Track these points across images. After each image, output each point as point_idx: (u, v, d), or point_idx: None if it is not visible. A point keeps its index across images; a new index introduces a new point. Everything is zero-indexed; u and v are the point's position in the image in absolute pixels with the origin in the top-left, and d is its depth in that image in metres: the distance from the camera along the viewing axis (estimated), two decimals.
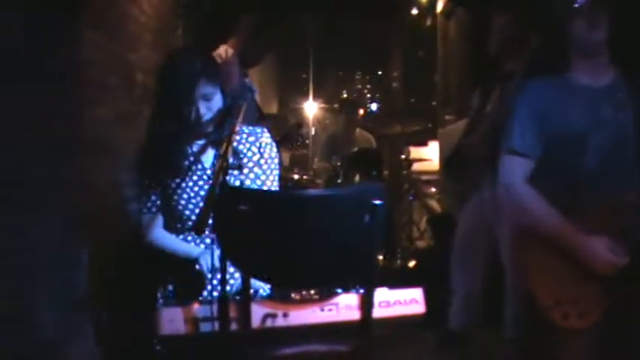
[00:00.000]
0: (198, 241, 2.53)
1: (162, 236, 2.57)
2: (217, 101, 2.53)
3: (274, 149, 2.68)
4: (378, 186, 2.11)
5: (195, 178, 2.54)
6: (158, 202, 2.56)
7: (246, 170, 2.56)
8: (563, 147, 2.38)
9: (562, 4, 2.42)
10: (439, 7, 8.24)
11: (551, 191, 2.37)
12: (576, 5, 2.35)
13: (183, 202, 2.53)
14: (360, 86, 16.41)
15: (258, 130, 2.66)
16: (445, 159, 4.70)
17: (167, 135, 2.50)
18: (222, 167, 2.00)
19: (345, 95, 14.10)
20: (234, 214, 1.92)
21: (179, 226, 2.55)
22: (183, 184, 2.53)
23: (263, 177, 2.61)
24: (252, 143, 2.61)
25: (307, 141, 9.03)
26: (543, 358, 2.42)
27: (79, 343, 3.08)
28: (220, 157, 2.02)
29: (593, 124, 2.35)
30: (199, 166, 2.56)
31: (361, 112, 7.86)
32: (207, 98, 2.49)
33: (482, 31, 4.13)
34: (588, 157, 2.35)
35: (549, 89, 2.44)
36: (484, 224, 3.76)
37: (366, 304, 2.07)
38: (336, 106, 9.24)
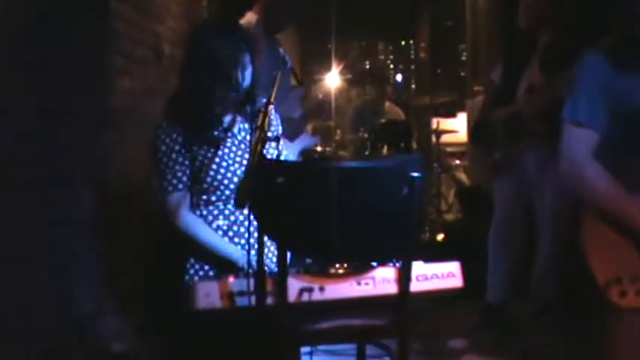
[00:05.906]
0: (237, 213, 2.48)
1: (201, 229, 2.45)
2: (250, 71, 2.50)
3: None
4: (416, 158, 2.06)
5: (227, 149, 2.50)
6: (185, 179, 2.45)
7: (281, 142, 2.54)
8: (629, 125, 2.29)
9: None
10: None
11: (616, 169, 2.28)
12: None
13: (219, 173, 2.46)
14: (382, 57, 16.24)
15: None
16: (472, 130, 4.63)
17: (211, 100, 2.45)
18: (260, 139, 1.96)
19: (367, 66, 13.92)
20: (271, 186, 1.89)
21: (213, 198, 2.48)
22: (218, 155, 2.47)
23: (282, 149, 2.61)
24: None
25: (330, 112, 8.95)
26: (595, 337, 2.38)
27: (110, 317, 3.09)
28: (258, 129, 1.97)
29: None
30: (230, 136, 2.52)
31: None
32: (244, 68, 2.47)
33: (512, 3, 4.04)
34: None
35: (616, 64, 2.31)
36: (522, 201, 3.70)
37: (404, 277, 2.04)
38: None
